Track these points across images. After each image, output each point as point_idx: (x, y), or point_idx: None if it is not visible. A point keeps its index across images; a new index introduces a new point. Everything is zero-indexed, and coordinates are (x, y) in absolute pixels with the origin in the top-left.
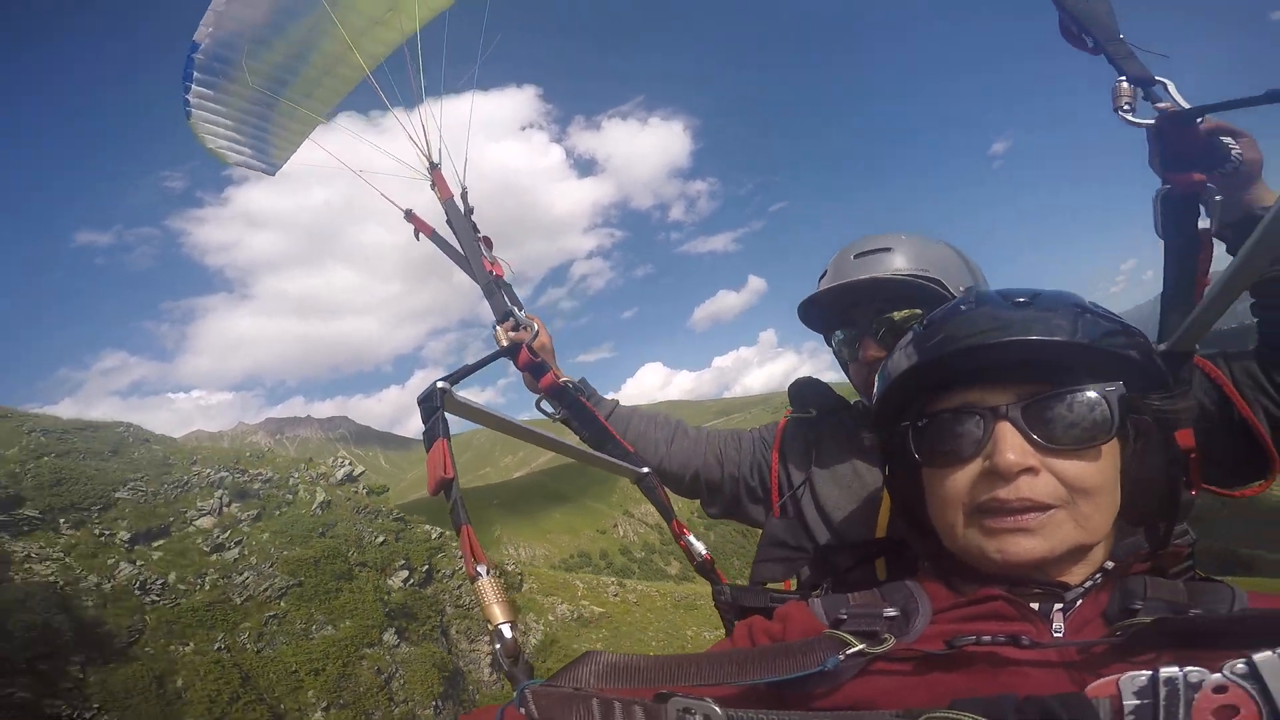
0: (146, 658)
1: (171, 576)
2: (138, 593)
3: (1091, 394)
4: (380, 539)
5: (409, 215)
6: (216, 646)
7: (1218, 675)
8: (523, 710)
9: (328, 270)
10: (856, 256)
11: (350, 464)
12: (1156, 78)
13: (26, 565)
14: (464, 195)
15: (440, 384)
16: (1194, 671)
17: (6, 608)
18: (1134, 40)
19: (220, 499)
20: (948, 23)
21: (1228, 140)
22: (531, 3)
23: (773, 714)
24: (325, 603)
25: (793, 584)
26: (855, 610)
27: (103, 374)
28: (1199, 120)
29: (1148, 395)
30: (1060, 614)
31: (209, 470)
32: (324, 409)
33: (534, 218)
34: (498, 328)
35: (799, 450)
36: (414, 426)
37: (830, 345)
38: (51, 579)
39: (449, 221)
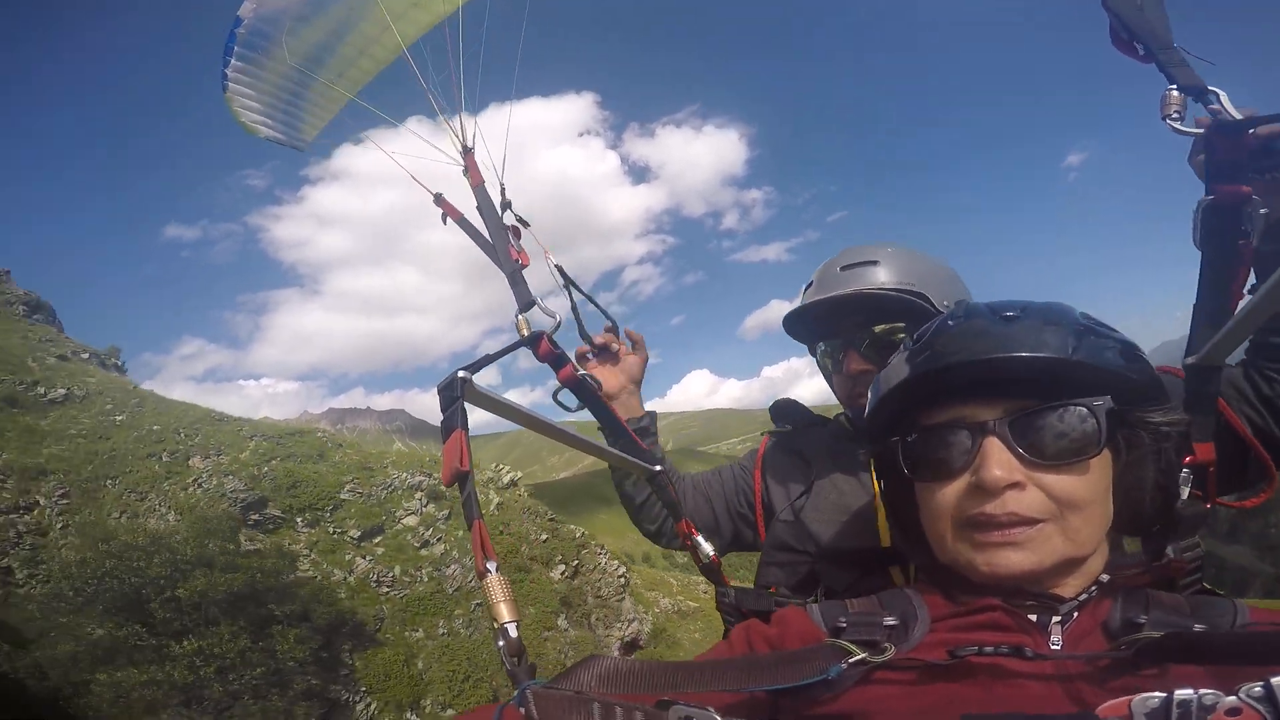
0: (390, 644)
1: (397, 570)
2: (374, 585)
3: (1079, 409)
4: (543, 536)
5: (438, 199)
6: (440, 632)
7: (1232, 698)
8: (523, 710)
9: (392, 269)
10: (843, 269)
11: (511, 470)
12: (1209, 87)
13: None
14: (501, 191)
15: (461, 373)
16: (1209, 694)
17: (307, 601)
18: (1185, 47)
19: (420, 500)
20: (1015, 30)
21: None
22: (592, 10)
23: None
24: (514, 592)
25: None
26: (855, 618)
27: (182, 359)
28: (1250, 131)
29: (1142, 409)
30: (1058, 626)
31: (404, 474)
32: (383, 401)
33: (588, 223)
34: (520, 316)
35: (787, 464)
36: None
37: (815, 356)
38: (309, 574)
39: (479, 208)
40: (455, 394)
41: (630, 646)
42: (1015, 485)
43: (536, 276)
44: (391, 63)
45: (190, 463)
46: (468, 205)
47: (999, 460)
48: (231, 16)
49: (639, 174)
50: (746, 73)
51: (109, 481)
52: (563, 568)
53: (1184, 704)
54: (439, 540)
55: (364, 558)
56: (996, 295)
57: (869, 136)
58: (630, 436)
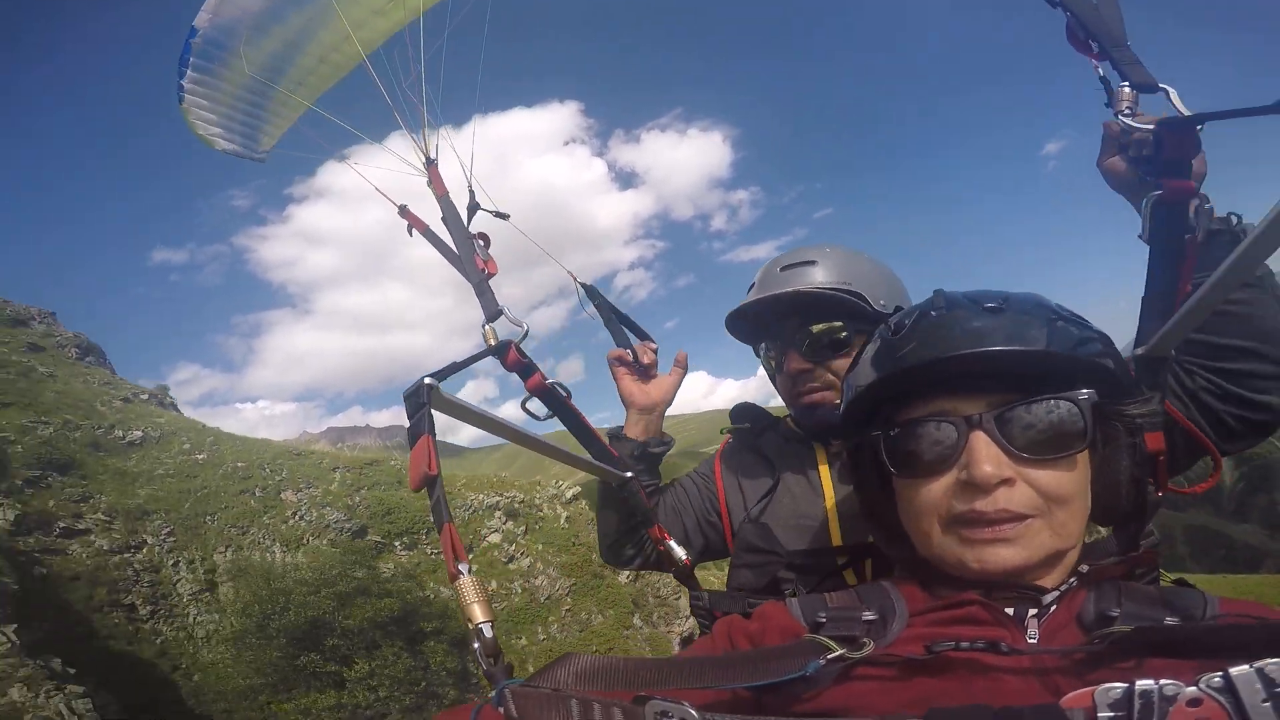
0: (504, 650)
1: (493, 585)
2: None
3: (1065, 402)
4: None
5: (403, 211)
6: (540, 638)
7: (1193, 688)
8: (501, 709)
9: (381, 286)
10: (783, 269)
11: (573, 486)
12: (1160, 84)
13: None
14: (470, 192)
15: (428, 380)
16: (1170, 685)
17: (438, 618)
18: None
19: (499, 518)
20: (994, 21)
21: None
22: (571, 18)
23: (751, 719)
24: (593, 597)
25: None
26: (834, 613)
27: (178, 385)
28: (1199, 127)
29: (1119, 402)
30: (1035, 620)
31: (480, 495)
32: (381, 418)
33: (577, 230)
34: (486, 326)
35: (749, 464)
36: (467, 435)
37: (758, 356)
38: (424, 594)
39: (444, 219)
40: (422, 401)
41: (687, 641)
42: (1006, 481)
43: (526, 285)
44: (351, 71)
45: (282, 496)
46: (436, 217)
47: (989, 456)
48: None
49: (626, 180)
50: (729, 74)
51: (207, 518)
52: (628, 572)
53: (1145, 694)
54: (524, 555)
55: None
56: (979, 284)
57: (851, 133)
58: (602, 444)
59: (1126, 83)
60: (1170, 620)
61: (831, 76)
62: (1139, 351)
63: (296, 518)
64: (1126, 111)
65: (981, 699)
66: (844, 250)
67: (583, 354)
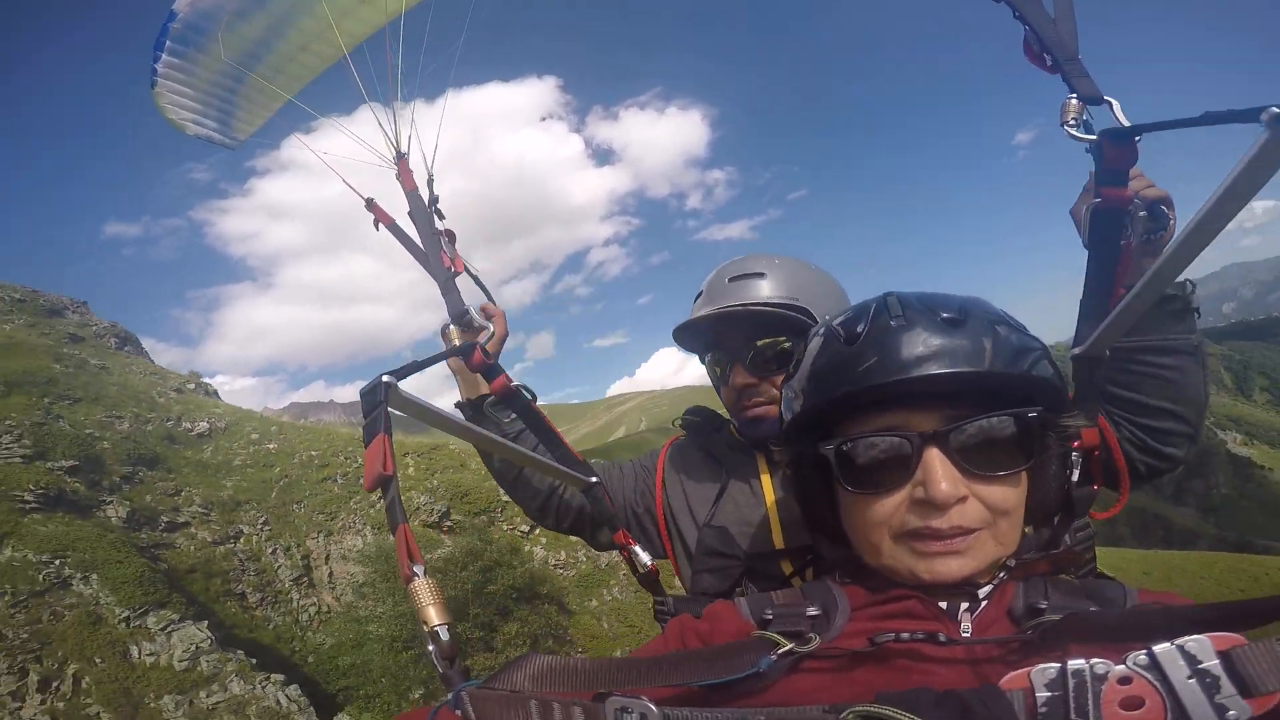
0: (579, 613)
1: (562, 554)
2: (552, 568)
3: (1016, 420)
4: None
5: (370, 204)
6: (607, 598)
7: (1121, 666)
8: (458, 712)
9: (347, 259)
10: (730, 280)
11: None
12: (1105, 97)
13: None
14: (430, 183)
15: (386, 378)
16: (1100, 663)
17: (538, 584)
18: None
19: None
20: (971, 12)
21: (1165, 209)
22: None
23: (706, 712)
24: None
25: None
26: (780, 610)
27: None
28: (1136, 139)
29: (1058, 414)
30: (968, 613)
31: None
32: (345, 394)
33: (552, 206)
34: (451, 326)
35: (700, 465)
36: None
37: (704, 364)
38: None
39: (411, 213)
40: (378, 399)
41: None
42: (960, 499)
43: (497, 260)
44: (335, 64)
45: (361, 483)
46: (402, 210)
47: (946, 474)
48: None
49: (603, 156)
50: (711, 52)
51: (295, 506)
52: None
53: (1078, 673)
54: None
55: (537, 547)
56: (948, 272)
57: (828, 116)
58: (567, 449)
59: (1074, 95)
60: (1093, 610)
61: (811, 59)
62: (1076, 351)
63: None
64: (1072, 122)
65: (929, 685)
66: (792, 262)
67: (554, 330)
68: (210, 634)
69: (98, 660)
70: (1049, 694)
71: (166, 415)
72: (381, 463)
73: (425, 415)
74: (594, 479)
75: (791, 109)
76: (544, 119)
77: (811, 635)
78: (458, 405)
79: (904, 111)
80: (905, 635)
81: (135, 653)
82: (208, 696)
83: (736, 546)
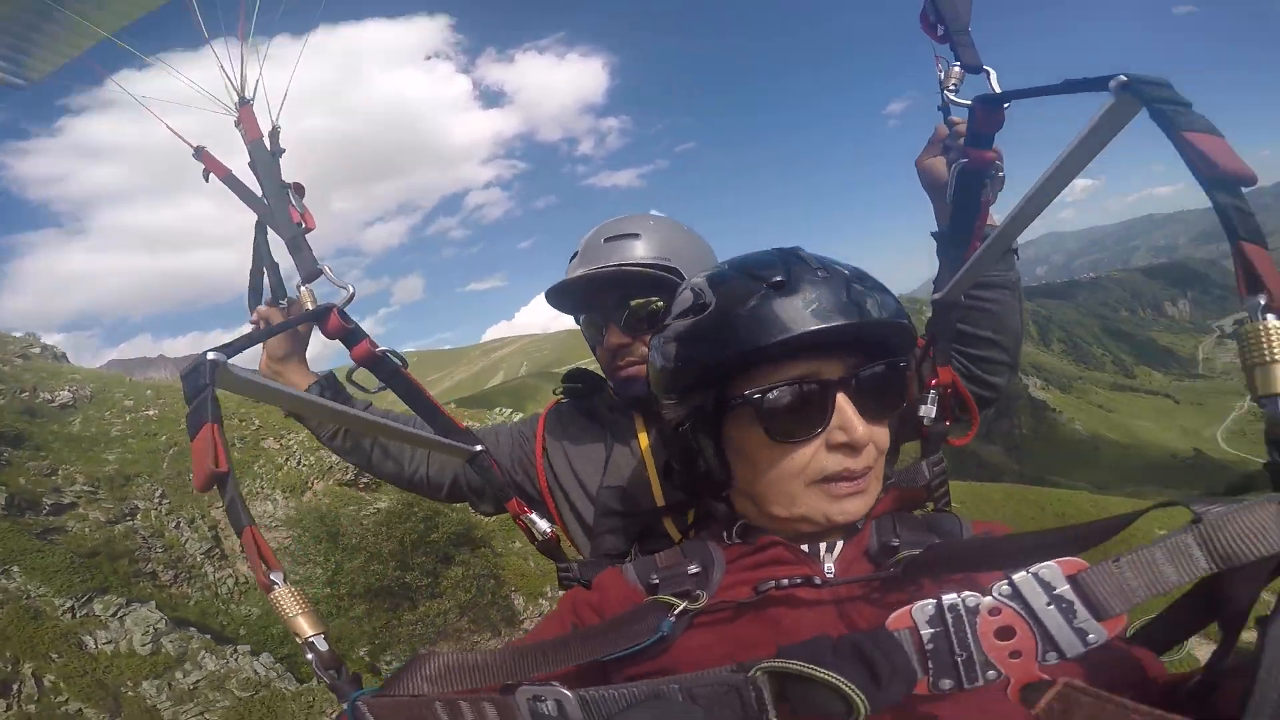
0: (507, 554)
1: None
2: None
3: (900, 366)
4: None
5: (199, 153)
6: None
7: (989, 599)
8: None
9: (180, 202)
10: (606, 240)
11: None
12: (984, 67)
13: None
14: (274, 135)
15: (211, 355)
16: (970, 596)
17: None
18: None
19: None
20: None
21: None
22: None
23: (622, 688)
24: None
25: None
26: (664, 573)
27: None
28: (1005, 105)
29: (910, 358)
30: (828, 555)
31: None
32: (178, 346)
33: (430, 147)
34: (303, 289)
35: (584, 427)
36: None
37: (579, 325)
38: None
39: (252, 164)
40: (203, 381)
41: None
42: (869, 441)
43: (362, 199)
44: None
45: (264, 445)
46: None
47: (858, 418)
48: None
49: (492, 99)
50: (620, 3)
51: (189, 475)
52: None
53: (953, 608)
54: None
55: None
56: (822, 230)
57: (723, 75)
58: (447, 418)
59: (958, 63)
60: (938, 542)
61: (714, 15)
62: (937, 297)
63: (293, 464)
64: (953, 87)
65: (803, 629)
66: (667, 222)
67: (423, 272)
68: (162, 614)
69: (54, 656)
70: (931, 630)
71: (18, 386)
72: (212, 457)
73: (267, 394)
74: (478, 448)
75: (689, 63)
76: (429, 58)
77: (699, 592)
78: (348, 375)
79: (792, 77)
80: (785, 582)
81: (91, 643)
82: (184, 676)
83: (635, 503)
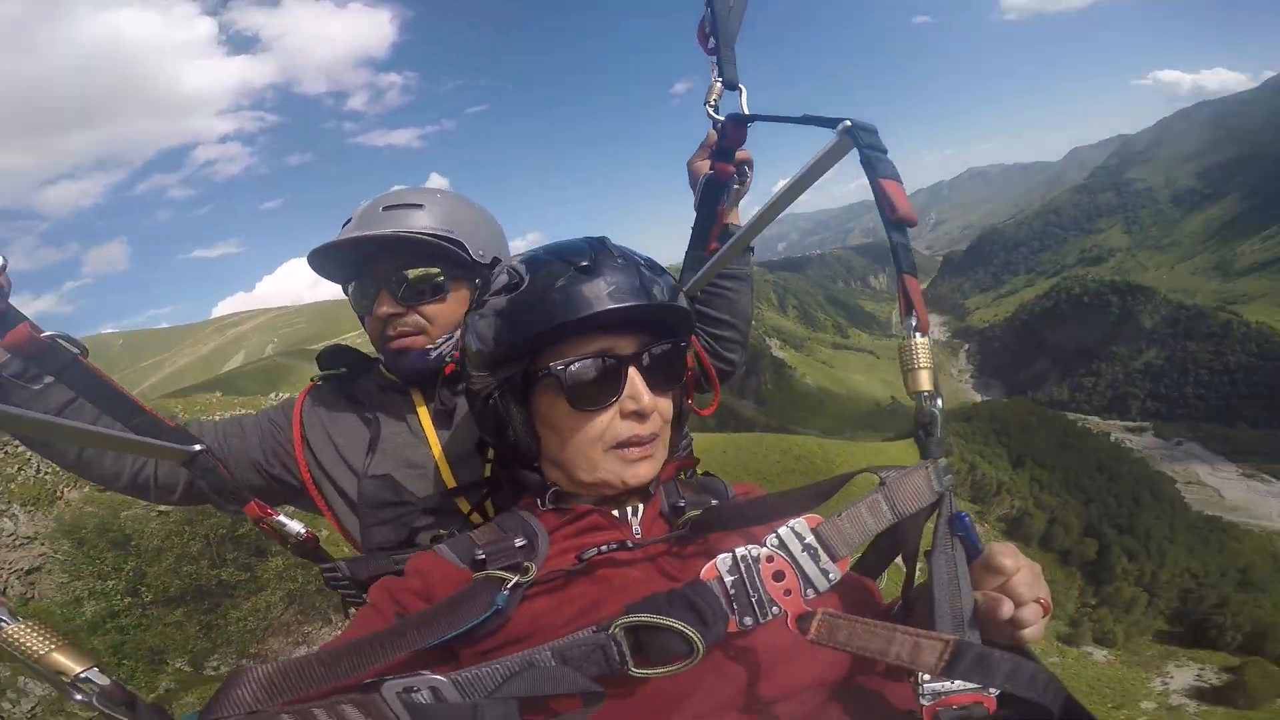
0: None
1: None
2: None
3: (681, 346)
4: None
5: None
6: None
7: (765, 549)
8: None
9: None
10: (385, 209)
11: None
12: (739, 85)
13: None
14: None
15: None
16: (753, 548)
17: None
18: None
19: None
20: None
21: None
22: None
23: (495, 664)
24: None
25: None
26: (488, 549)
27: None
28: (748, 125)
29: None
30: (634, 519)
31: None
32: None
33: (145, 95)
34: None
35: (345, 413)
36: None
37: (347, 295)
38: None
39: None
40: None
41: None
42: (656, 409)
43: (43, 153)
44: None
45: None
46: None
47: (648, 389)
48: None
49: (242, 44)
50: None
51: None
52: None
53: (744, 558)
54: None
55: None
56: (623, 211)
57: (525, 40)
58: (149, 414)
59: (720, 79)
60: (713, 502)
61: None
62: (684, 289)
63: (30, 472)
64: (713, 102)
65: (627, 588)
66: (454, 196)
67: (127, 237)
68: None
69: None
70: (732, 578)
71: None
72: None
73: None
74: (197, 447)
75: (492, 19)
76: None
77: (528, 564)
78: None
79: (588, 52)
80: (604, 547)
81: None
82: (14, 706)
83: (406, 492)
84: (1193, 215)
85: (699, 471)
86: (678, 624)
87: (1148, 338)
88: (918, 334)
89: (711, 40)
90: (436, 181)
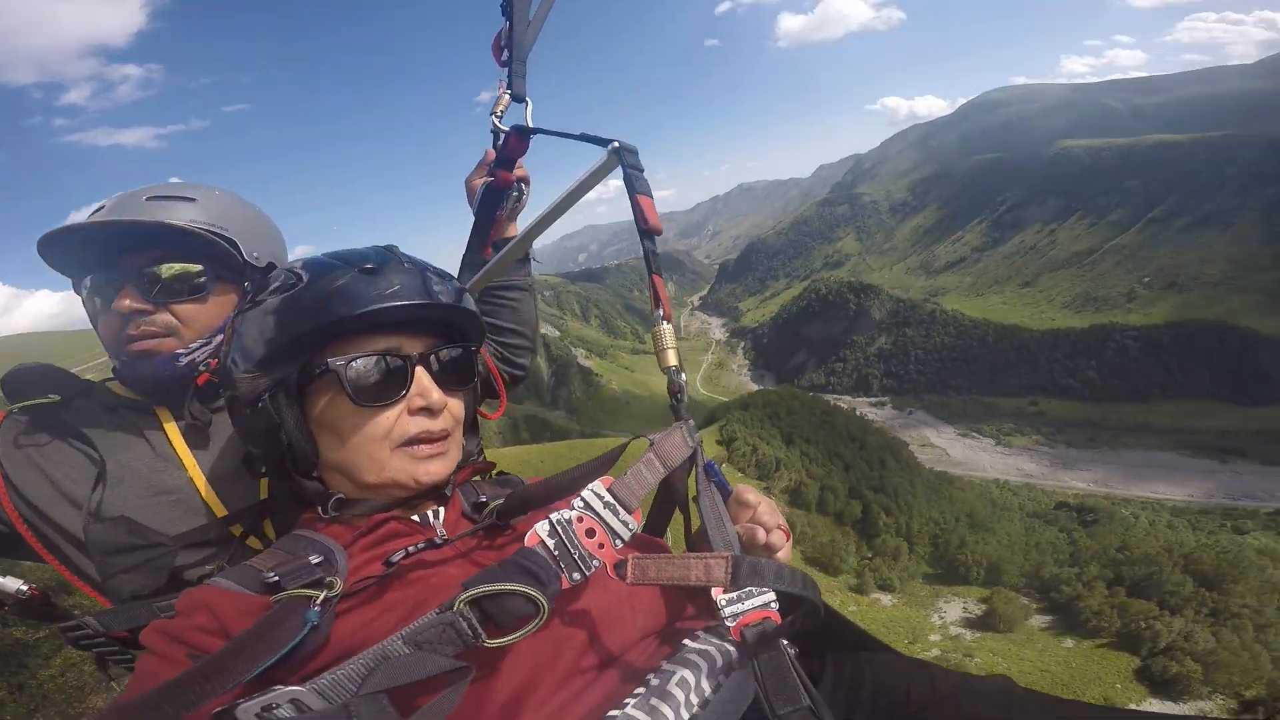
0: None
1: None
2: None
3: (471, 349)
4: None
5: None
6: None
7: (574, 511)
8: None
9: None
10: (150, 199)
11: None
12: (525, 98)
13: None
14: None
15: None
16: (564, 511)
17: None
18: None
19: None
20: None
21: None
22: None
23: (350, 664)
24: None
25: None
26: (280, 570)
27: None
28: (530, 137)
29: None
30: (436, 521)
31: None
32: None
33: None
34: None
35: (56, 448)
36: None
37: (79, 292)
38: None
39: None
40: None
41: None
42: (445, 407)
43: None
44: None
45: None
46: None
47: (436, 387)
48: None
49: None
50: None
51: None
52: None
53: (559, 521)
54: None
55: None
56: (410, 230)
57: (295, 36)
58: None
59: (509, 91)
60: (517, 489)
61: None
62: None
63: None
64: (500, 113)
65: (449, 580)
66: (232, 195)
67: None
68: None
69: None
70: (553, 541)
71: None
72: None
73: None
74: None
75: (259, 21)
76: None
77: (332, 579)
78: None
79: (383, 58)
80: (411, 549)
81: None
82: None
83: (152, 533)
84: (904, 224)
85: (493, 474)
86: (519, 586)
87: (878, 327)
88: (665, 322)
89: (505, 53)
90: None
